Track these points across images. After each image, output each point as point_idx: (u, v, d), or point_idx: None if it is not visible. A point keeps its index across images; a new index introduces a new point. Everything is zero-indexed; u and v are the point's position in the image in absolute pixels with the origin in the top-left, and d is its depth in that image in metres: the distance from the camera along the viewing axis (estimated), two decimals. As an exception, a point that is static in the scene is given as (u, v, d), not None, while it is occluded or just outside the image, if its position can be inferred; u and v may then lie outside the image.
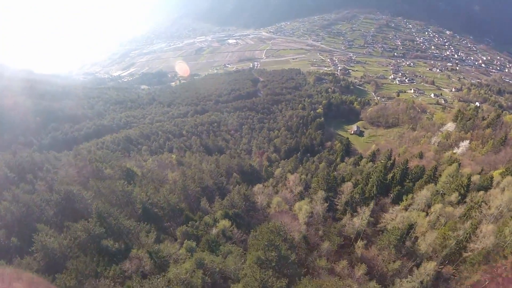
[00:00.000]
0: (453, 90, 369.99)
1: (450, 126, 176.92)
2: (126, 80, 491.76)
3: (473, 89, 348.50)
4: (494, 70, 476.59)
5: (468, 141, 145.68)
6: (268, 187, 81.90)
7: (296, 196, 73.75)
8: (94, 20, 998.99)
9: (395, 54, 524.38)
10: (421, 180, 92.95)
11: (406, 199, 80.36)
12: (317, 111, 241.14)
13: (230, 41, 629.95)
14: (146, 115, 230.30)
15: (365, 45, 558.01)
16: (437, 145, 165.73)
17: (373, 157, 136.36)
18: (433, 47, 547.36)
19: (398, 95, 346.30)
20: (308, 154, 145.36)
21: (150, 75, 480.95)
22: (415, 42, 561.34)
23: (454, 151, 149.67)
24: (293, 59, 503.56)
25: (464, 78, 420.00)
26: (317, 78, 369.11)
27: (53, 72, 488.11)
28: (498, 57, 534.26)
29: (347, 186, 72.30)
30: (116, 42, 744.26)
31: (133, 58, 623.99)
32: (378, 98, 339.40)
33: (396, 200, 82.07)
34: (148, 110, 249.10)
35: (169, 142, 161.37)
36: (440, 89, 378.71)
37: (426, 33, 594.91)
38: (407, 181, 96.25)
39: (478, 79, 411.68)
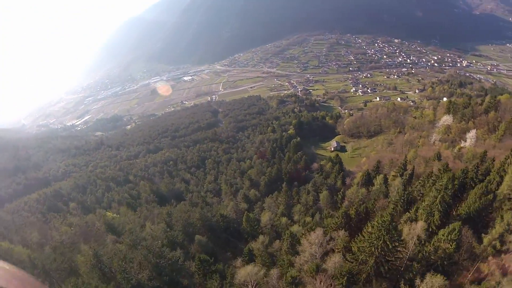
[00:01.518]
0: (417, 91, 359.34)
1: (447, 120, 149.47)
2: (79, 128, 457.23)
3: (436, 86, 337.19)
4: (447, 67, 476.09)
5: (474, 131, 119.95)
6: (269, 269, 40.02)
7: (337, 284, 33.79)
8: (47, 71, 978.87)
9: (350, 68, 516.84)
10: (480, 185, 59.48)
11: (499, 224, 44.62)
12: (289, 132, 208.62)
13: (186, 78, 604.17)
14: (90, 162, 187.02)
15: (320, 64, 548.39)
16: (440, 142, 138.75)
17: (377, 171, 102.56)
18: (385, 56, 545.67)
19: (365, 105, 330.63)
20: (296, 183, 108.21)
21: (105, 120, 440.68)
22: (367, 55, 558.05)
23: (461, 146, 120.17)
24: (251, 87, 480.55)
25: (422, 79, 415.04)
26: (280, 101, 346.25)
27: (4, 127, 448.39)
28: (448, 54, 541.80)
29: (417, 229, 34.97)
30: (70, 91, 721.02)
31: (87, 105, 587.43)
32: (346, 111, 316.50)
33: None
34: (93, 156, 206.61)
35: (109, 194, 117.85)
36: (404, 93, 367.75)
37: (376, 44, 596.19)
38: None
39: (436, 77, 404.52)
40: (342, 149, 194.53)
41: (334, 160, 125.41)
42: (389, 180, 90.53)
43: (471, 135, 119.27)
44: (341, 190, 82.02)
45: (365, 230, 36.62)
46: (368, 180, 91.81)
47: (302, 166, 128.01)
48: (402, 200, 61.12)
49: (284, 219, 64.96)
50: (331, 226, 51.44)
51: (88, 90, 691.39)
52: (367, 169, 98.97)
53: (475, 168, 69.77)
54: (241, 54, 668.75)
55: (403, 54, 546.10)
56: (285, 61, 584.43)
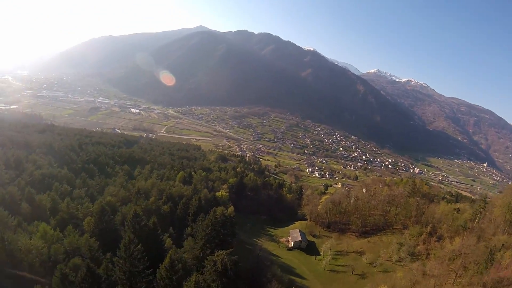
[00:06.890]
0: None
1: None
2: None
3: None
4: (401, 171, 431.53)
5: None
6: None
7: None
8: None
9: (306, 151, 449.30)
10: None
11: None
12: (218, 193, 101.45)
13: (133, 110, 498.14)
14: None
15: (275, 139, 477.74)
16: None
17: None
18: (341, 148, 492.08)
19: (326, 189, 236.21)
20: None
21: (21, 115, 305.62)
22: (324, 143, 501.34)
23: None
24: (196, 139, 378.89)
25: (381, 175, 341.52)
26: (221, 157, 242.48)
27: None
28: (401, 160, 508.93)
29: None
30: (17, 76, 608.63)
31: (24, 97, 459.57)
32: (309, 190, 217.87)
33: None
34: None
35: None
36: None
37: (334, 136, 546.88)
38: None
39: (393, 176, 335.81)
40: (310, 246, 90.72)
41: None
42: None
43: None
44: None
45: None
46: None
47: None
48: None
49: None
50: None
51: (34, 83, 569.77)
52: None
53: None
54: (199, 108, 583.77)
55: (359, 151, 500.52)
56: (240, 127, 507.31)
